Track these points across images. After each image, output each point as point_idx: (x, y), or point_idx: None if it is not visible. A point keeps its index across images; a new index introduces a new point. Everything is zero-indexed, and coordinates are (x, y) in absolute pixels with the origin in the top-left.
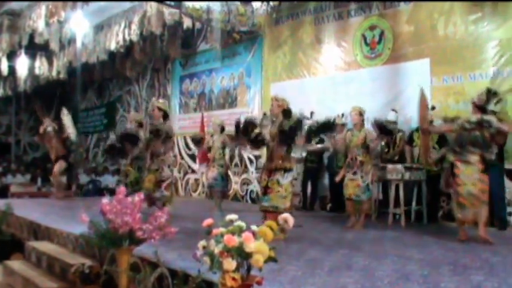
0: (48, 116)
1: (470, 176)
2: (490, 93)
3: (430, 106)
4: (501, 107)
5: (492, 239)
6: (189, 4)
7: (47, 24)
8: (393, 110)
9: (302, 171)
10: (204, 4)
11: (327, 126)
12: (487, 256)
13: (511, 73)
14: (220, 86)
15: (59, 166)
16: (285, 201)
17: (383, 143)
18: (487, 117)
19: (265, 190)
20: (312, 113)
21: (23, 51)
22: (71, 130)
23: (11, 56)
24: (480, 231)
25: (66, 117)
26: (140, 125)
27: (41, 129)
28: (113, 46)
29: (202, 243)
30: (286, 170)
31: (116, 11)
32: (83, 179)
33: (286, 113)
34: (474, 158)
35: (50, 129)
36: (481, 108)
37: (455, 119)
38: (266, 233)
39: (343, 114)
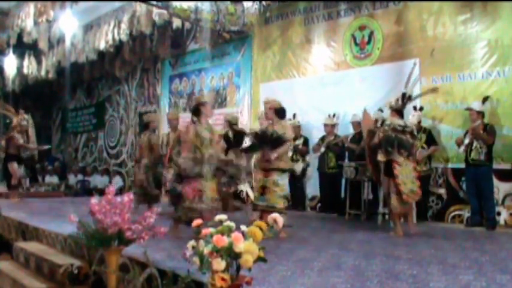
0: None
1: (408, 175)
2: (405, 97)
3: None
4: (492, 110)
5: (481, 238)
6: (177, 4)
7: (36, 23)
8: (380, 109)
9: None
10: (192, 4)
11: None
12: (476, 255)
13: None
14: (209, 86)
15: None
16: (281, 201)
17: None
18: (409, 123)
19: (263, 190)
20: (294, 115)
21: (11, 50)
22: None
23: None
24: (409, 224)
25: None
26: None
27: (16, 121)
28: (102, 46)
29: (191, 243)
30: (283, 171)
31: (105, 10)
32: (72, 179)
33: (279, 112)
34: (402, 159)
35: (24, 122)
36: (398, 111)
37: (382, 125)
38: (255, 233)
39: (334, 115)
